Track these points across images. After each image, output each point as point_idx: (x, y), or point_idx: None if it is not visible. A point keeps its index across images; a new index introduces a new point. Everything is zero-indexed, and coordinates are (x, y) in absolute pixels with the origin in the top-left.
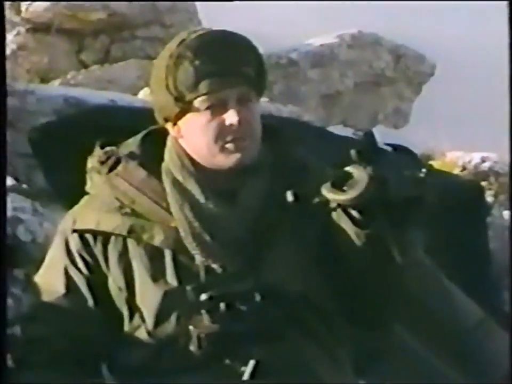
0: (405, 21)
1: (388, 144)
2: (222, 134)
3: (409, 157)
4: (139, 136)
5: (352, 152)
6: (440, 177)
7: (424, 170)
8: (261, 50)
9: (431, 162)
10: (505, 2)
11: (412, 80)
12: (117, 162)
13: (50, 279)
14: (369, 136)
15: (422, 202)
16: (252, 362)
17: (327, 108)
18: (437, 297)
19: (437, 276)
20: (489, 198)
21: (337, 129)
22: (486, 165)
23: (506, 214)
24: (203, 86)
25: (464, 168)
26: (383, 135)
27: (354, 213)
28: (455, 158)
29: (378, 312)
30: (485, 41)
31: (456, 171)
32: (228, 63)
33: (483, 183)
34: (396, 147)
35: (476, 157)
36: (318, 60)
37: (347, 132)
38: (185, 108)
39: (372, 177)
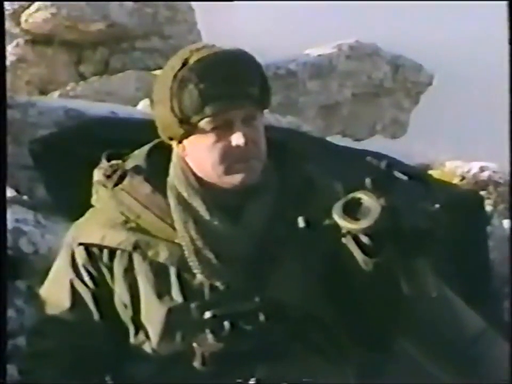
0: (402, 31)
1: (403, 172)
2: (227, 155)
3: (424, 186)
4: (145, 149)
5: (367, 180)
6: (440, 187)
7: (437, 205)
8: (259, 60)
9: (430, 172)
10: (505, 3)
11: (410, 90)
12: (123, 176)
13: (55, 292)
14: (386, 165)
15: (433, 237)
16: (252, 381)
17: (325, 118)
18: (440, 311)
19: (440, 293)
20: (488, 207)
21: (336, 139)
22: (485, 175)
23: (506, 223)
24: (208, 109)
25: (463, 178)
26: (382, 146)
27: (364, 239)
28: (454, 168)
29: (381, 337)
30: (484, 51)
31: (455, 181)
32: (233, 85)
33: (482, 193)
34: (410, 175)
35: (474, 167)
36: (316, 71)
37: (346, 142)
38: (190, 129)
39: (385, 208)
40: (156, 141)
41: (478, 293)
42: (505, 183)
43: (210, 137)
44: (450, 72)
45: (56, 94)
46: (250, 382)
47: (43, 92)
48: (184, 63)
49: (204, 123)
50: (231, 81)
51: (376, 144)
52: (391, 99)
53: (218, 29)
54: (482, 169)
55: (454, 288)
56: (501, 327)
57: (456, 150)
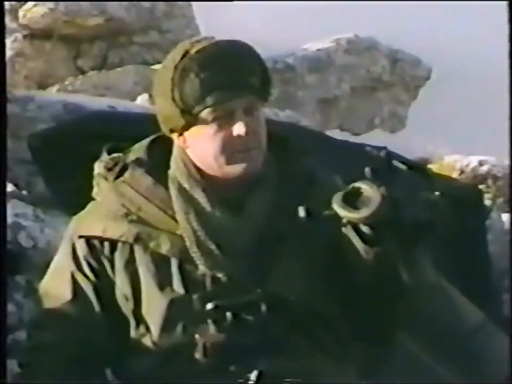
0: (400, 25)
1: (403, 162)
2: (229, 145)
3: (424, 176)
4: (146, 142)
5: (367, 170)
6: (438, 181)
7: (437, 193)
8: None
9: (429, 166)
10: (505, 3)
11: (408, 84)
12: (124, 168)
13: (56, 285)
14: (385, 155)
15: (433, 225)
16: (255, 373)
17: (324, 113)
18: (440, 304)
19: (440, 285)
20: (487, 201)
21: (334, 134)
22: (484, 168)
23: (504, 217)
24: (210, 99)
25: (462, 172)
26: (380, 140)
27: (365, 229)
28: (453, 162)
29: (382, 328)
30: (482, 44)
31: (454, 175)
32: (234, 75)
33: (481, 187)
34: (410, 165)
35: (473, 161)
36: (315, 65)
37: (345, 136)
38: (192, 119)
39: (385, 197)
40: (157, 134)
41: (477, 286)
42: (504, 176)
43: (212, 128)
44: (449, 66)
45: (54, 88)
46: (252, 375)
47: (41, 87)
48: (185, 54)
49: (205, 113)
50: (232, 71)
51: (375, 138)
52: (390, 93)
53: (216, 23)
54: (481, 163)
55: (453, 282)
56: (500, 321)
57: (454, 144)
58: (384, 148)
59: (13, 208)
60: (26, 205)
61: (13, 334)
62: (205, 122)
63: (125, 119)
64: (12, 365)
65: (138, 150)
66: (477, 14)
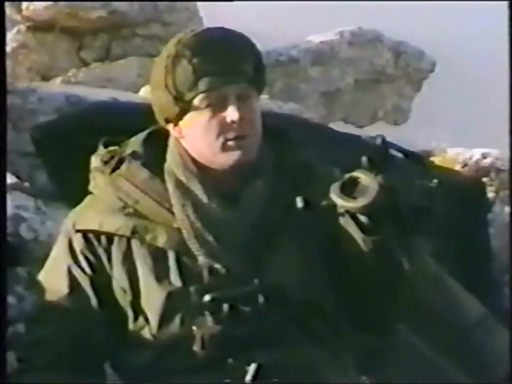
0: (405, 17)
1: (399, 150)
2: (223, 131)
3: (421, 164)
4: (142, 135)
5: (364, 159)
6: (441, 174)
7: (435, 181)
8: (261, 47)
9: (431, 158)
10: (506, 2)
11: (412, 77)
12: (120, 162)
13: (53, 279)
14: (382, 143)
15: (431, 212)
16: (253, 366)
17: (327, 105)
18: (440, 296)
19: (440, 276)
20: (490, 194)
21: (338, 126)
22: (487, 161)
23: (507, 210)
24: (202, 84)
25: (465, 165)
26: (383, 132)
27: (362, 218)
28: (456, 154)
29: (382, 318)
30: (485, 37)
31: (457, 167)
32: (226, 60)
33: (484, 179)
34: (407, 153)
35: (476, 153)
36: (318, 57)
37: (348, 129)
38: (185, 107)
39: (383, 186)
40: (153, 127)
41: (478, 280)
42: (507, 170)
43: (205, 115)
44: (452, 59)
45: (58, 80)
46: (250, 368)
47: (44, 78)
48: (178, 42)
49: (198, 100)
50: (224, 57)
51: (378, 131)
52: (393, 86)
53: (219, 16)
54: (484, 156)
55: (454, 275)
56: (501, 314)
57: (458, 136)
58: (381, 136)
59: (14, 200)
60: (27, 197)
61: (13, 326)
62: (198, 109)
63: (128, 111)
64: (11, 357)
65: (135, 143)
66: (480, 7)
